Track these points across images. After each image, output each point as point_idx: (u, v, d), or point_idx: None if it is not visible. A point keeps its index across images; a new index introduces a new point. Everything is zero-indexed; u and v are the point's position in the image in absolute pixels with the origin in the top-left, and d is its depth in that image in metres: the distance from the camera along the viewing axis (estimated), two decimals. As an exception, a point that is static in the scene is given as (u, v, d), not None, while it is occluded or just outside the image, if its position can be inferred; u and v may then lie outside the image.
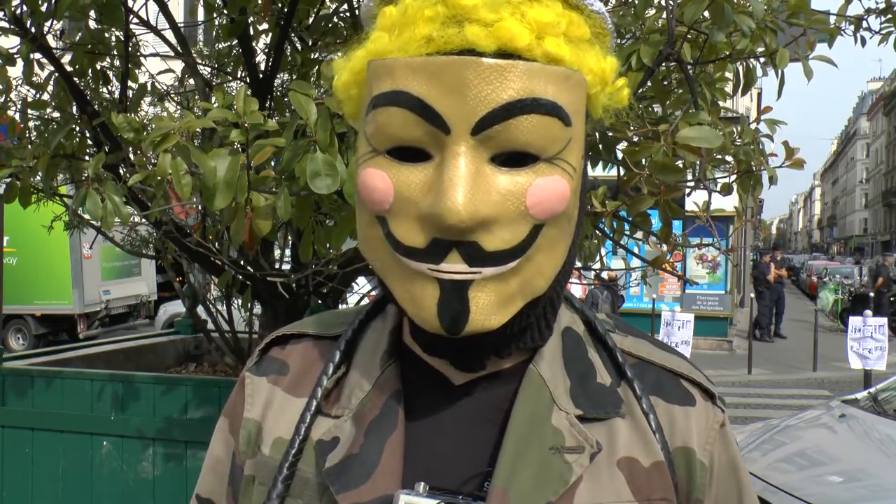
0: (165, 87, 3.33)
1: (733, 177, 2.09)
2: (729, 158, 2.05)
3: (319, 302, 2.79)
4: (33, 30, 2.33)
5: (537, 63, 0.63)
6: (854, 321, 7.51)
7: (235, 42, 2.96)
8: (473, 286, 0.63)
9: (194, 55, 2.90)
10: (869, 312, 7.80)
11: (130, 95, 2.59)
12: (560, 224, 0.66)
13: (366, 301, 3.32)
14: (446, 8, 0.62)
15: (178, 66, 3.11)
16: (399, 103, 0.62)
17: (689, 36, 1.85)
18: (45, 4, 2.31)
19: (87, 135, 2.54)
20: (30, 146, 2.28)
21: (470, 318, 0.63)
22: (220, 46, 3.25)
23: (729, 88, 2.24)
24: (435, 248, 0.63)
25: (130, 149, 2.43)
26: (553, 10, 0.64)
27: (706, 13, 1.82)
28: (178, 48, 2.73)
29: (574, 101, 0.65)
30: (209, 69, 3.34)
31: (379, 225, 0.66)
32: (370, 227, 0.68)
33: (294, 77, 2.84)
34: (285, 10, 2.52)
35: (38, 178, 2.26)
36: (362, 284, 3.88)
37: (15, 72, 2.50)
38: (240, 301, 3.29)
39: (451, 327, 0.64)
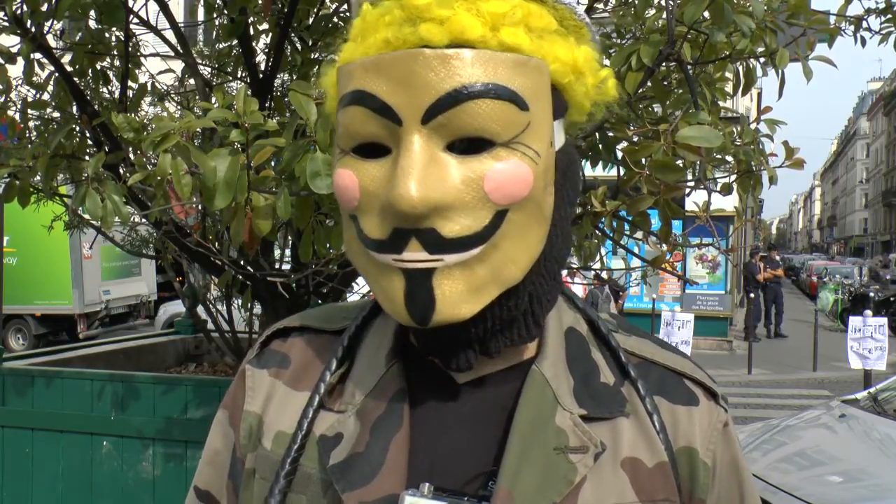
0: (165, 87, 3.33)
1: (733, 177, 2.09)
2: (729, 158, 2.05)
3: (319, 302, 2.79)
4: (33, 29, 2.33)
5: (487, 50, 0.63)
6: (854, 321, 7.50)
7: (235, 42, 2.96)
8: (437, 274, 0.64)
9: (194, 55, 2.90)
10: (869, 312, 7.79)
11: (130, 95, 2.59)
12: (527, 210, 0.66)
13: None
14: (402, 10, 0.64)
15: (178, 66, 3.11)
16: (356, 101, 0.65)
17: (689, 36, 1.85)
18: (46, 4, 2.31)
19: (87, 135, 2.54)
20: (30, 146, 2.28)
21: (437, 308, 0.64)
22: (220, 46, 3.25)
23: (729, 88, 2.24)
24: (395, 238, 0.64)
25: (130, 149, 2.43)
26: (508, 3, 0.64)
27: (706, 13, 1.81)
28: (178, 48, 2.73)
29: (532, 85, 0.65)
30: (209, 69, 3.34)
31: (353, 224, 0.68)
32: (347, 228, 0.70)
33: (294, 77, 2.84)
34: (285, 10, 2.52)
35: (38, 178, 2.26)
36: (362, 284, 3.88)
37: (15, 72, 2.50)
38: (240, 301, 3.29)
39: (419, 318, 0.64)
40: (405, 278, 0.64)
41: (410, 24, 0.63)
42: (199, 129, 2.50)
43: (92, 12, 2.53)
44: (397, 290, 0.65)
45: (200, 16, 3.57)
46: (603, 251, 2.75)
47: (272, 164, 1.99)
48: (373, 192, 0.65)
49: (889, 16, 2.32)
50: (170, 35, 2.77)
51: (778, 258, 15.75)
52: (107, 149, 2.37)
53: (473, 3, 0.63)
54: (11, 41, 2.42)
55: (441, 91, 0.62)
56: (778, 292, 14.86)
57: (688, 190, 2.08)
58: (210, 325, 4.02)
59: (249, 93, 1.54)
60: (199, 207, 2.62)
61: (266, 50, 3.01)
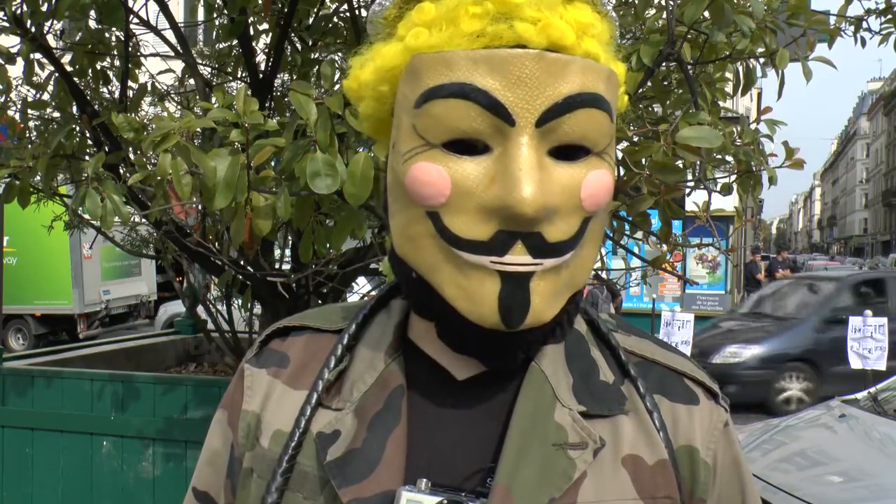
0: (165, 87, 3.33)
1: (733, 177, 2.09)
2: (729, 158, 2.05)
3: (319, 302, 2.79)
4: (33, 29, 2.33)
5: (590, 60, 0.64)
6: (854, 321, 7.49)
7: (235, 42, 2.96)
8: (534, 278, 0.64)
9: (194, 55, 2.90)
10: (869, 312, 7.79)
11: (130, 95, 2.59)
12: (600, 218, 0.68)
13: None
14: (494, 5, 0.62)
15: (178, 66, 3.11)
16: (462, 95, 0.62)
17: (689, 36, 1.85)
18: (45, 4, 2.31)
19: (87, 135, 2.54)
20: (30, 146, 2.28)
21: (531, 311, 0.64)
22: (220, 46, 3.25)
23: (729, 88, 2.24)
24: (500, 240, 0.63)
25: (130, 149, 2.44)
26: (588, 14, 0.66)
27: (706, 13, 1.82)
28: (178, 48, 2.73)
29: (614, 98, 0.67)
30: (209, 69, 3.34)
31: (429, 221, 0.65)
32: (416, 224, 0.66)
33: (294, 77, 2.85)
34: (285, 10, 2.52)
35: (38, 178, 2.26)
36: (362, 284, 3.88)
37: (15, 72, 2.50)
38: (240, 301, 3.29)
39: (511, 320, 0.64)
40: (502, 281, 0.63)
41: (505, 20, 0.62)
42: (199, 129, 2.50)
43: (92, 12, 2.53)
44: (489, 292, 0.63)
45: (200, 16, 3.57)
46: (603, 251, 2.75)
47: (272, 164, 1.99)
48: (468, 190, 0.63)
49: (889, 16, 2.33)
50: (170, 35, 2.77)
51: (782, 258, 15.68)
52: (107, 149, 2.37)
53: (554, 9, 0.63)
54: (11, 41, 2.42)
55: (558, 96, 0.62)
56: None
57: (688, 190, 2.08)
58: (210, 325, 4.02)
59: (249, 93, 1.54)
60: (199, 207, 2.62)
61: (266, 50, 3.01)
